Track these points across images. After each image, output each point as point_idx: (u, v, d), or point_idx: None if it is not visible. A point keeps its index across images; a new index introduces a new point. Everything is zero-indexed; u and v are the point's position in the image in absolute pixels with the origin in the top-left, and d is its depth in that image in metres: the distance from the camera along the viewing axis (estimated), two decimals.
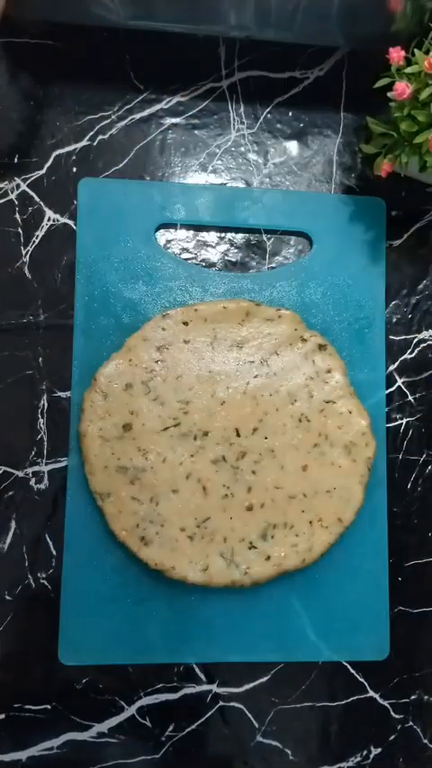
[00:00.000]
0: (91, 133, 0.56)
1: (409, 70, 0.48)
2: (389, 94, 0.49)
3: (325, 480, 0.53)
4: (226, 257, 0.57)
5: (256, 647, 0.53)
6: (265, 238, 0.57)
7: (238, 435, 0.52)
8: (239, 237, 0.57)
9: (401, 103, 0.49)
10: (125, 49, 0.57)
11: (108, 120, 0.56)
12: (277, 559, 0.52)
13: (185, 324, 0.53)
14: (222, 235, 0.57)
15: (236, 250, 0.57)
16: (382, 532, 0.55)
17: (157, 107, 0.57)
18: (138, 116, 0.57)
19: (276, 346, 0.54)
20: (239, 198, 0.56)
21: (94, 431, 0.51)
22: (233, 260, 0.57)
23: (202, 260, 0.56)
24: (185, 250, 0.56)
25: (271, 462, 0.53)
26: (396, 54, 0.49)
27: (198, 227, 0.56)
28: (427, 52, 0.47)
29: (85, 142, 0.56)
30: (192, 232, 0.56)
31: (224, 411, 0.53)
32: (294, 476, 0.53)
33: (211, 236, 0.57)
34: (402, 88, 0.48)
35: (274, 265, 0.57)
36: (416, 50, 0.48)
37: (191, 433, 0.52)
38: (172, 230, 0.56)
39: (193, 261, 0.56)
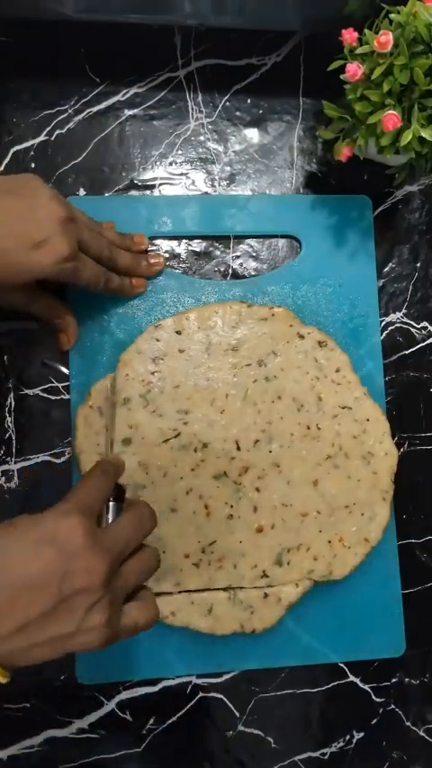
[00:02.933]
0: (48, 128, 0.56)
1: (360, 51, 0.48)
2: (342, 77, 0.49)
3: (341, 495, 0.52)
4: (216, 266, 0.56)
5: (274, 652, 0.52)
6: (253, 244, 0.57)
7: (239, 449, 0.52)
8: (228, 245, 0.56)
9: (355, 85, 0.48)
10: (80, 43, 0.56)
11: (65, 115, 0.56)
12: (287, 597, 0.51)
13: (179, 333, 0.53)
14: (211, 244, 0.56)
15: (225, 258, 0.56)
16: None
17: (114, 99, 0.57)
18: (95, 109, 0.56)
19: (273, 345, 0.53)
20: (225, 206, 0.56)
21: (91, 447, 0.51)
22: (223, 268, 0.56)
23: (193, 270, 0.56)
24: (176, 261, 0.56)
25: (276, 478, 0.52)
26: (349, 35, 0.49)
27: (186, 238, 0.56)
28: (377, 31, 0.47)
29: (42, 137, 0.55)
30: (181, 243, 0.56)
31: (224, 420, 0.52)
32: (303, 491, 0.52)
33: (201, 246, 0.56)
34: (354, 69, 0.48)
35: (264, 271, 0.57)
36: (366, 30, 0.48)
37: (191, 445, 0.51)
38: (160, 242, 0.56)
39: (184, 272, 0.56)
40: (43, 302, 0.50)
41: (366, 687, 0.55)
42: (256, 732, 0.53)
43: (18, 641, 0.34)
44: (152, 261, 0.54)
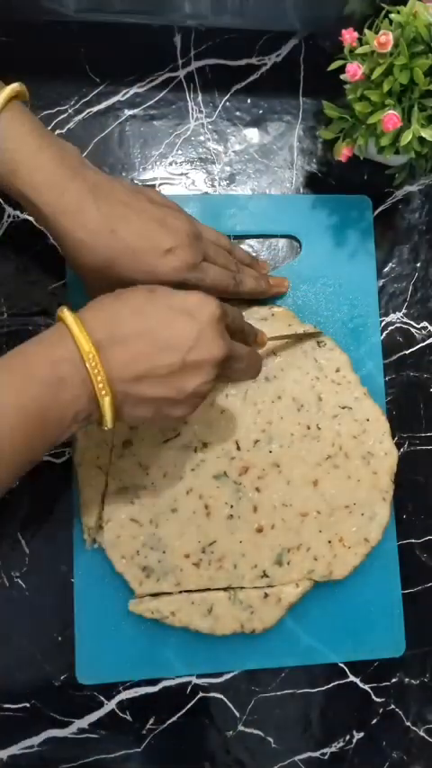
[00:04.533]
0: (48, 128, 0.55)
1: (360, 51, 0.48)
2: (342, 77, 0.49)
3: (341, 495, 0.52)
4: None
5: (274, 652, 0.52)
6: (253, 244, 0.57)
7: (239, 449, 0.52)
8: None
9: (355, 85, 0.48)
10: (79, 43, 0.56)
11: (65, 115, 0.56)
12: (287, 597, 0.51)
13: None
14: None
15: None
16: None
17: (114, 99, 0.57)
18: (95, 109, 0.56)
19: (272, 345, 0.53)
20: (225, 205, 0.56)
21: (90, 460, 0.51)
22: None
23: None
24: None
25: (276, 478, 0.52)
26: (349, 35, 0.49)
27: None
28: (377, 31, 0.47)
29: None
30: None
31: (224, 420, 0.52)
32: (303, 491, 0.52)
33: None
34: (354, 69, 0.48)
35: (264, 271, 0.56)
36: (366, 30, 0.48)
37: (191, 445, 0.51)
38: None
39: None
40: None
41: (366, 687, 0.55)
42: (256, 732, 0.53)
43: (134, 388, 0.40)
44: (274, 282, 0.55)
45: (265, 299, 0.55)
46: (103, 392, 0.38)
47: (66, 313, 0.39)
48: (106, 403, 0.39)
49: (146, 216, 0.45)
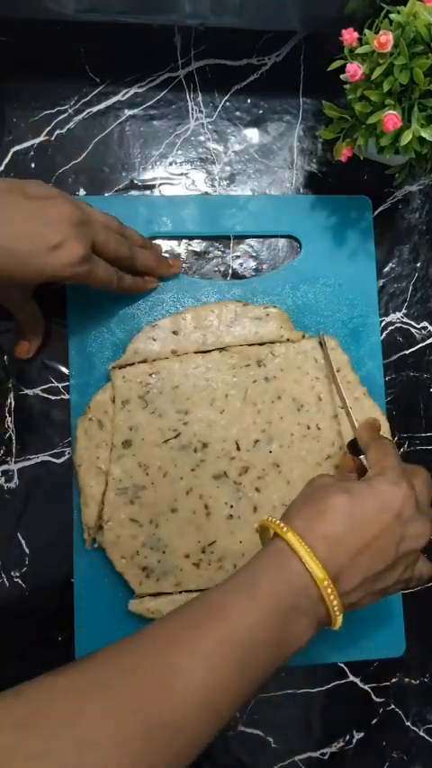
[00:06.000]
0: (48, 128, 0.56)
1: (360, 50, 0.48)
2: (342, 77, 0.49)
3: None
4: (216, 266, 0.56)
5: None
6: (253, 244, 0.57)
7: (239, 449, 0.52)
8: (228, 245, 0.56)
9: (355, 85, 0.48)
10: (79, 42, 0.56)
11: (65, 115, 0.56)
12: None
13: (175, 333, 0.53)
14: (211, 244, 0.56)
15: (225, 258, 0.56)
16: None
17: (114, 99, 0.57)
18: (95, 109, 0.56)
19: (269, 346, 0.53)
20: (225, 206, 0.56)
21: (90, 460, 0.51)
22: (223, 268, 0.56)
23: (193, 270, 0.56)
24: None
25: (276, 478, 0.52)
26: (349, 35, 0.49)
27: (186, 238, 0.56)
28: (377, 31, 0.47)
29: (42, 137, 0.55)
30: (180, 243, 0.56)
31: (224, 421, 0.52)
32: None
33: (200, 246, 0.56)
34: (354, 69, 0.48)
35: (264, 271, 0.57)
36: (367, 30, 0.48)
37: (191, 445, 0.51)
38: (160, 242, 0.56)
39: (184, 272, 0.56)
40: (31, 308, 0.50)
41: (366, 687, 0.55)
42: (256, 732, 0.53)
43: (359, 590, 0.39)
44: (171, 263, 0.54)
45: (257, 300, 0.55)
46: (337, 611, 0.38)
47: (292, 537, 0.38)
48: (339, 620, 0.38)
49: (22, 214, 0.43)
